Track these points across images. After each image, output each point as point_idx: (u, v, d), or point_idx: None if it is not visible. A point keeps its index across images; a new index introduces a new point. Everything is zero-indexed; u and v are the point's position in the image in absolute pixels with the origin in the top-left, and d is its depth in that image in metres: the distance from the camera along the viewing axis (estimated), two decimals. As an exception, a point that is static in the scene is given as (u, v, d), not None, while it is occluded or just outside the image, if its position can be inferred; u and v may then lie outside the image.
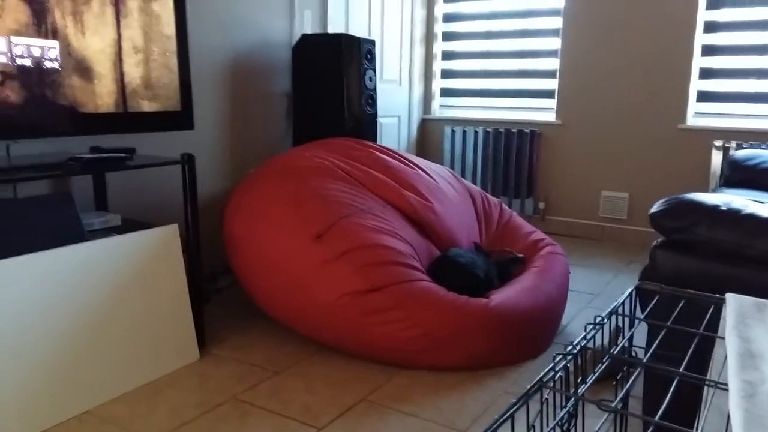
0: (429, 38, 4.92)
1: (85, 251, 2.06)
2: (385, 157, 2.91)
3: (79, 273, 2.03)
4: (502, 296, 2.37)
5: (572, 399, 0.96)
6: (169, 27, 2.71)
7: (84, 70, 2.46)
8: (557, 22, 4.39)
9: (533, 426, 0.89)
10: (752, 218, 1.70)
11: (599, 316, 1.13)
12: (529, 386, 0.90)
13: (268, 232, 2.41)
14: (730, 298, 1.16)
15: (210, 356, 2.35)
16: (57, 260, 1.98)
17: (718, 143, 3.81)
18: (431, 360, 2.23)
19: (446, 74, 4.95)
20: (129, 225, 2.41)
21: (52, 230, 2.14)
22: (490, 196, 3.20)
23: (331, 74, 3.45)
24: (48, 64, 2.33)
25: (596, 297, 3.07)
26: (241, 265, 2.49)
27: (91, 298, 2.04)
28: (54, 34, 2.32)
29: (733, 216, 1.73)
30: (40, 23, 2.26)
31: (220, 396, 2.05)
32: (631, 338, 1.25)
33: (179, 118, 3.02)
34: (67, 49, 2.37)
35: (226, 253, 2.59)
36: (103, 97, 2.59)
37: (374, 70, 3.63)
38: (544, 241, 2.91)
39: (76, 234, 2.17)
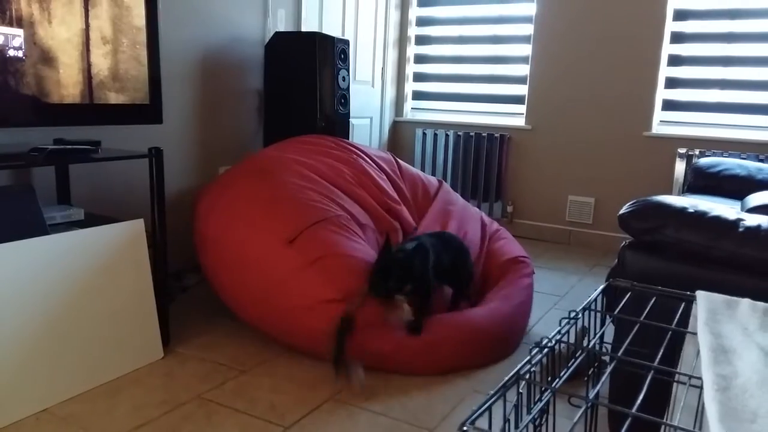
0: (402, 41, 4.93)
1: (46, 245, 2.00)
2: (365, 160, 2.89)
3: (39, 267, 1.96)
4: (473, 310, 2.38)
5: (548, 392, 0.95)
6: (139, 19, 2.65)
7: (49, 59, 2.39)
8: (528, 29, 4.44)
9: (508, 419, 0.88)
10: (718, 220, 1.74)
11: (573, 311, 1.13)
12: (506, 379, 0.90)
13: (242, 234, 2.37)
14: (701, 295, 1.18)
15: (174, 354, 2.30)
16: (17, 253, 1.91)
17: (682, 151, 3.90)
18: (403, 369, 2.22)
19: (418, 77, 4.97)
20: (92, 219, 2.34)
21: (12, 222, 2.06)
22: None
23: (304, 73, 3.42)
24: (11, 53, 2.25)
25: (562, 299, 3.10)
26: (212, 264, 2.44)
27: (52, 293, 1.98)
28: (19, 21, 2.25)
29: (700, 218, 1.76)
30: (4, 10, 2.19)
31: (184, 395, 2.00)
32: (602, 335, 1.26)
33: (147, 112, 2.95)
34: (32, 38, 2.30)
35: (197, 251, 2.54)
36: (68, 87, 2.52)
37: (347, 71, 3.61)
38: (500, 242, 2.92)
39: (37, 227, 2.10)
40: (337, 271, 2.23)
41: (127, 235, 2.22)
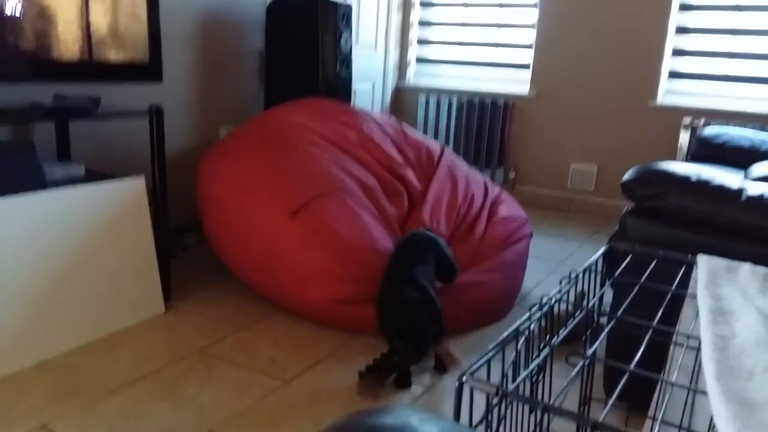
0: (406, 5, 4.85)
1: (48, 200, 1.99)
2: (369, 124, 2.87)
3: (41, 221, 1.96)
4: (464, 277, 2.39)
5: (546, 349, 0.96)
6: (139, -26, 2.61)
7: (48, 15, 2.36)
8: (536, -7, 4.36)
9: (506, 375, 0.89)
10: (722, 188, 1.73)
11: (574, 270, 1.14)
12: (505, 334, 0.90)
13: (245, 201, 2.36)
14: (702, 258, 1.18)
15: (175, 310, 2.32)
16: (18, 207, 1.91)
17: (687, 121, 3.87)
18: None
19: (422, 42, 4.90)
20: (93, 176, 2.34)
21: (12, 178, 2.06)
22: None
23: (306, 35, 3.37)
24: (10, 8, 2.22)
25: (561, 264, 3.12)
26: (213, 227, 2.45)
27: (53, 247, 1.98)
28: (17, -25, 2.21)
29: (703, 185, 1.75)
30: (2, -38, 2.15)
31: (185, 348, 2.03)
32: (601, 297, 1.26)
33: (147, 70, 2.92)
34: (30, -9, 2.26)
35: (199, 214, 2.53)
36: (67, 44, 2.49)
37: (350, 33, 3.56)
38: (502, 203, 2.91)
39: (37, 182, 2.09)
40: (338, 246, 2.23)
41: (128, 192, 2.22)
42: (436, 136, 4.72)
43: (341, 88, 3.59)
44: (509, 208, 2.88)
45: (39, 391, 1.75)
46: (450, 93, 4.69)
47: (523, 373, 0.91)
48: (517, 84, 4.55)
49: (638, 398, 1.38)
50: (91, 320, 2.07)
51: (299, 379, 1.87)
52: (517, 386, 0.83)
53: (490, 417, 0.78)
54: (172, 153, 3.15)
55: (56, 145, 2.52)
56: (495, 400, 0.77)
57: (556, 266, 3.10)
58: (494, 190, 3.01)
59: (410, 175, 2.79)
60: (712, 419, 0.98)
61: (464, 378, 0.76)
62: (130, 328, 2.16)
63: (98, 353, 1.98)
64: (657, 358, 1.27)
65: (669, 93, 4.03)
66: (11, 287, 1.86)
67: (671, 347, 1.20)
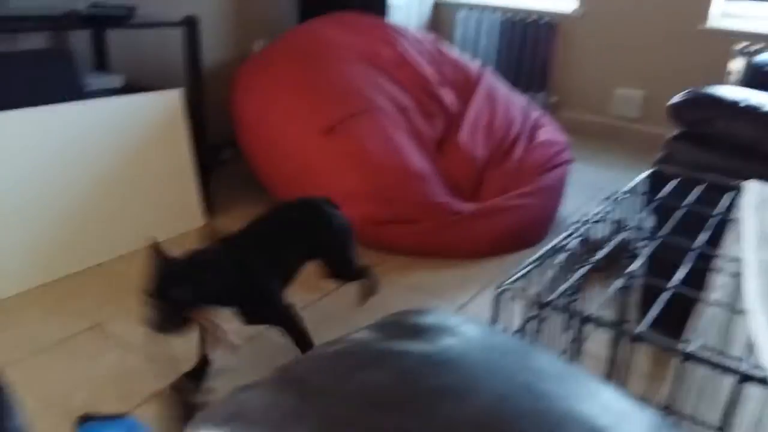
0: None
1: (86, 110, 2.01)
2: (406, 41, 2.79)
3: (81, 131, 1.99)
4: (500, 201, 2.38)
5: (585, 267, 0.96)
6: None
7: None
8: None
9: (544, 289, 0.90)
10: (774, 114, 1.66)
11: (617, 191, 1.12)
12: (546, 249, 0.90)
13: (279, 119, 2.36)
14: (751, 183, 1.14)
15: (214, 222, 2.37)
16: (56, 117, 1.93)
17: (739, 46, 3.67)
18: (434, 256, 2.26)
19: (464, -45, 4.68)
20: (130, 87, 2.34)
21: (50, 86, 2.07)
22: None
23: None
24: None
25: (601, 192, 3.07)
26: (249, 145, 2.47)
27: (94, 157, 2.02)
28: None
29: (753, 112, 1.69)
30: None
31: (222, 261, 2.08)
32: (643, 219, 1.24)
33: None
34: None
35: (235, 131, 2.55)
36: (103, -51, 2.43)
37: (390, -58, 3.41)
38: (542, 128, 2.85)
39: (74, 92, 2.11)
40: (370, 167, 2.22)
41: (165, 104, 2.22)
42: (475, 56, 4.58)
43: (376, 1, 3.47)
44: (549, 132, 2.81)
45: (88, 294, 1.83)
46: (492, 9, 4.50)
47: (562, 286, 0.91)
48: (562, 1, 4.34)
49: (673, 326, 1.38)
50: (132, 230, 2.12)
51: (335, 293, 1.92)
52: (554, 300, 0.84)
53: (526, 327, 0.79)
54: (208, 65, 3.12)
55: (93, 55, 2.52)
56: (533, 312, 0.78)
57: (596, 194, 3.05)
58: (534, 114, 2.94)
59: (447, 96, 2.73)
60: (747, 342, 0.98)
61: (503, 287, 0.76)
62: (171, 239, 2.22)
63: (140, 261, 2.04)
64: (696, 285, 1.26)
65: (722, 15, 3.81)
66: (51, 195, 1.91)
67: (712, 274, 1.19)
